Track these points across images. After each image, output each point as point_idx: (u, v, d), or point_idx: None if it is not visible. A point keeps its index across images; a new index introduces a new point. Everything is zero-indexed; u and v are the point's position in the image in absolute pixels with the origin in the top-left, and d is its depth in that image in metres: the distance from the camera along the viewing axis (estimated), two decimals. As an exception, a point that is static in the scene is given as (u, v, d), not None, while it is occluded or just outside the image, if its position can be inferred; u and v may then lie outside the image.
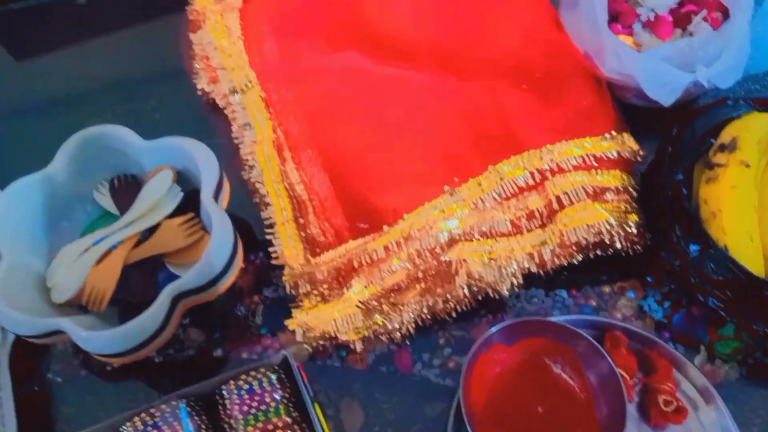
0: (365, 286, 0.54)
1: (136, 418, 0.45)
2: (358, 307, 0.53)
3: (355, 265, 0.54)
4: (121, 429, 0.45)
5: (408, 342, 0.57)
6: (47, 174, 0.56)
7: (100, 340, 0.48)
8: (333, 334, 0.54)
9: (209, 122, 0.71)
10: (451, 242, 0.54)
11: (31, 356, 0.58)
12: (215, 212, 0.52)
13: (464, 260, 0.52)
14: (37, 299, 0.52)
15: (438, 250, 0.53)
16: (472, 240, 0.53)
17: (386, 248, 0.53)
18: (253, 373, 0.47)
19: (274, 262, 0.57)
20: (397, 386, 0.56)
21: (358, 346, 0.54)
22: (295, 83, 0.63)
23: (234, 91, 0.62)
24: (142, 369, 0.59)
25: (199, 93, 0.69)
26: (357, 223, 0.57)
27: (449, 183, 0.56)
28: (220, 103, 0.64)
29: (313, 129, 0.61)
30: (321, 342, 0.54)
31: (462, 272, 0.53)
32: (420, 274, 0.53)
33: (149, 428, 0.45)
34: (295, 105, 0.62)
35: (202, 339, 0.59)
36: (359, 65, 0.64)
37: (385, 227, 0.55)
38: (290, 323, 0.54)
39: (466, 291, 0.53)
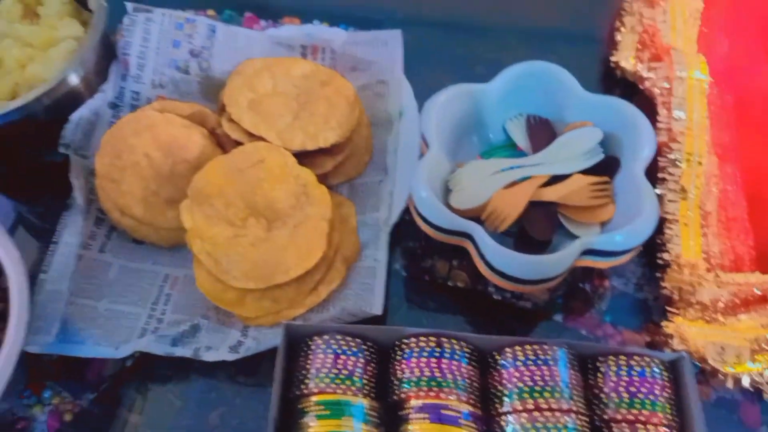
0: (764, 326, 0.50)
1: (520, 348, 0.46)
2: (749, 342, 0.49)
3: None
4: (506, 350, 0.47)
5: (760, 399, 0.53)
6: (483, 89, 0.58)
7: (503, 256, 0.49)
8: (704, 357, 0.51)
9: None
10: None
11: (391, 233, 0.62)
12: (646, 188, 0.51)
13: None
14: (439, 197, 0.55)
15: None
16: None
17: (818, 298, 0.49)
18: (645, 358, 0.45)
19: (664, 257, 0.55)
20: (740, 437, 0.52)
21: (729, 382, 0.50)
22: (738, 87, 0.59)
23: (681, 77, 0.60)
24: (477, 299, 0.60)
25: (612, 65, 0.69)
26: (772, 258, 0.53)
27: None
28: (656, 83, 0.61)
29: (745, 143, 0.57)
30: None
31: None
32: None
33: (529, 362, 0.45)
34: (733, 111, 0.58)
35: (544, 297, 0.59)
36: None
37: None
38: (667, 326, 0.52)
39: None
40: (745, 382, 0.51)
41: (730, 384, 0.51)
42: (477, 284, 0.60)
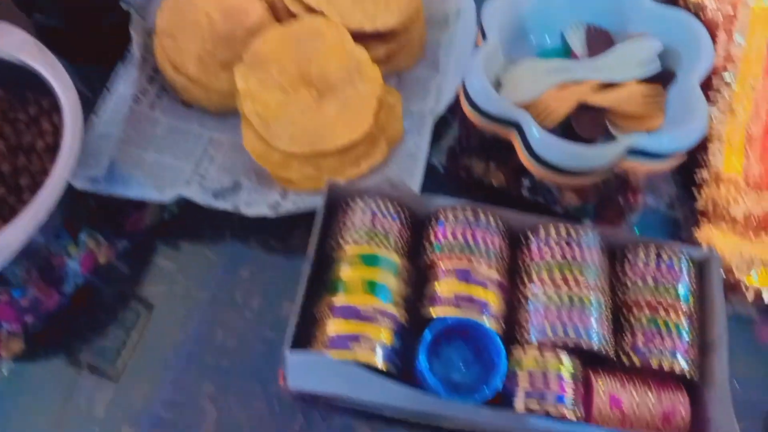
0: (794, 242, 0.51)
1: (554, 226, 0.48)
2: (778, 257, 0.50)
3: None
4: (540, 227, 0.48)
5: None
6: (549, -9, 0.59)
7: (551, 144, 0.50)
8: (730, 266, 0.52)
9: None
10: None
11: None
12: (698, 97, 0.51)
13: None
14: (489, 88, 0.56)
15: None
16: None
17: None
18: (674, 250, 0.47)
19: (703, 174, 0.56)
20: (752, 352, 0.53)
21: (750, 295, 0.52)
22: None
23: (746, 3, 0.59)
24: (510, 200, 0.61)
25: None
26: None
27: None
28: (721, 8, 0.61)
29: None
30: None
31: None
32: None
33: (562, 241, 0.47)
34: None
35: (575, 205, 0.60)
36: None
37: None
38: (698, 234, 0.53)
39: None
40: (766, 297, 0.52)
41: (750, 297, 0.52)
42: (512, 185, 0.61)
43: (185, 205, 0.58)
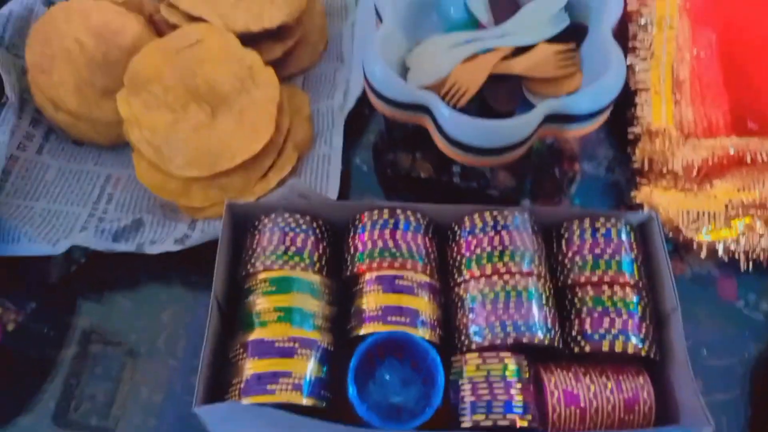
0: (739, 189, 0.47)
1: (479, 215, 0.43)
2: (725, 206, 0.46)
3: (747, 159, 0.46)
4: (465, 218, 0.43)
5: (736, 272, 0.51)
6: (438, -38, 0.54)
7: (463, 124, 0.45)
8: (677, 225, 0.48)
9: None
10: None
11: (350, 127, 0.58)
12: (613, 48, 0.47)
13: None
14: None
15: None
16: None
17: (789, 155, 0.46)
18: (611, 220, 0.42)
19: (635, 131, 0.51)
20: (717, 311, 0.50)
21: (704, 252, 0.48)
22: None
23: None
24: (443, 189, 0.57)
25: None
26: (746, 121, 0.49)
27: None
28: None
29: (722, 8, 0.54)
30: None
31: None
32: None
33: (488, 228, 0.42)
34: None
35: (510, 185, 0.56)
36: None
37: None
38: (636, 195, 0.49)
39: None
40: (720, 251, 0.48)
41: (704, 254, 0.48)
42: (442, 174, 0.57)
43: (92, 251, 0.53)
